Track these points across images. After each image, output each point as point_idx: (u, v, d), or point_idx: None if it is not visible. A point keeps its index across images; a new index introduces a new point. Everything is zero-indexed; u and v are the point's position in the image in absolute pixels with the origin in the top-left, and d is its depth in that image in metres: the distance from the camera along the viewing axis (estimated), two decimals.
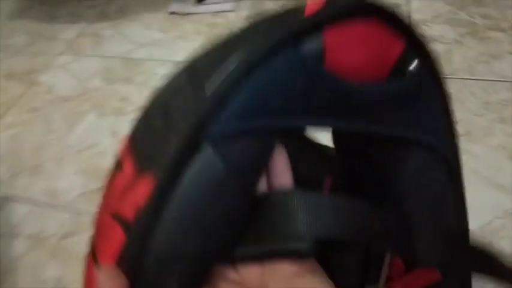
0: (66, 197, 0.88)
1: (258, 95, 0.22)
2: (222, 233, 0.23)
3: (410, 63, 0.25)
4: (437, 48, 1.04)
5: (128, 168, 0.25)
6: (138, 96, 1.07)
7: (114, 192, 0.25)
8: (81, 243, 0.81)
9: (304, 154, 0.35)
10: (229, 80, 0.22)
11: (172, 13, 1.30)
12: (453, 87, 0.96)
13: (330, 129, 0.27)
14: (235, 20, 1.25)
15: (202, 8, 1.30)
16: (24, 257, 0.80)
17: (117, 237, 0.23)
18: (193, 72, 0.25)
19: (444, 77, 0.27)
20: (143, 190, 0.22)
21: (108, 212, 0.25)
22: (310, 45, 0.23)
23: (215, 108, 0.22)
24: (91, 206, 0.86)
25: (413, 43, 0.25)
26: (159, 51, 1.18)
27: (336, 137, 0.32)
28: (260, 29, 0.25)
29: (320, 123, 0.24)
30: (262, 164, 0.25)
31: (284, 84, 0.23)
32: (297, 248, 0.22)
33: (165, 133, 0.23)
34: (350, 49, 0.24)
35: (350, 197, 0.24)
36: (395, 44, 0.24)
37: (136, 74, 1.12)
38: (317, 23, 0.23)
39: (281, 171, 0.27)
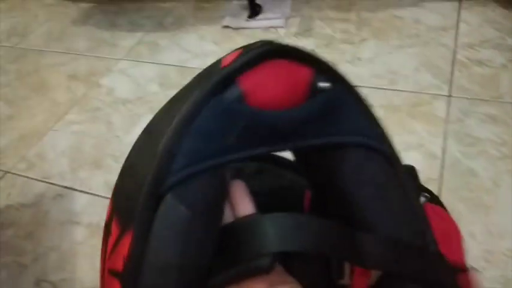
0: None
1: (197, 143, 0.27)
2: (198, 265, 0.27)
3: (321, 84, 0.29)
4: (484, 72, 1.07)
5: (115, 229, 0.29)
6: None
7: (107, 252, 0.29)
8: None
9: (281, 175, 0.41)
10: (171, 137, 0.26)
11: (226, 27, 1.37)
12: (499, 110, 0.98)
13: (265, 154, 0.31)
14: (284, 35, 1.31)
15: (253, 23, 1.37)
16: (83, 244, 0.86)
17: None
18: (149, 133, 0.31)
19: (356, 88, 0.31)
20: (127, 244, 0.26)
21: (106, 271, 0.29)
22: (230, 92, 0.27)
23: (166, 164, 0.26)
24: None
25: (320, 68, 0.29)
26: (212, 61, 1.24)
27: (295, 156, 0.37)
28: (192, 86, 0.30)
29: (257, 152, 0.29)
30: (220, 198, 0.30)
31: (216, 128, 0.27)
32: (258, 265, 0.26)
33: (134, 191, 0.27)
34: (266, 87, 0.28)
35: (309, 213, 0.29)
36: (303, 73, 0.28)
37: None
38: (230, 73, 0.27)
39: (239, 200, 0.30)
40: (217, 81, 0.27)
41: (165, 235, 0.26)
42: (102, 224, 0.90)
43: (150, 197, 0.26)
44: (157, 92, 1.18)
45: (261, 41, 0.29)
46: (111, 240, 0.29)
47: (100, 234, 0.84)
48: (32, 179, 1.01)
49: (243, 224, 0.28)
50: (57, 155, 1.06)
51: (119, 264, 0.27)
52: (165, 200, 0.26)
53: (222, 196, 0.30)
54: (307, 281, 0.29)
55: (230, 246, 0.28)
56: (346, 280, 0.31)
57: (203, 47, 1.32)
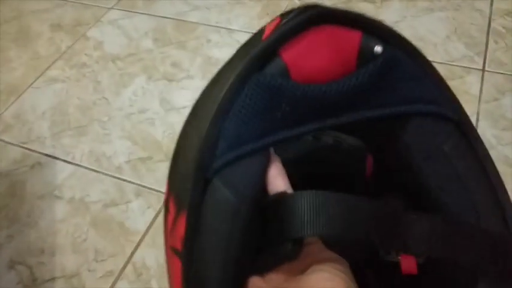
0: (112, 163, 0.84)
1: (239, 124, 0.26)
2: (244, 247, 0.27)
3: (374, 48, 0.26)
4: None
5: (172, 208, 0.28)
6: (189, 63, 1.00)
7: (168, 230, 0.29)
8: (123, 215, 0.77)
9: (340, 139, 0.38)
10: (212, 120, 0.26)
11: None
12: None
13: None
14: None
15: None
16: (64, 222, 0.76)
17: (177, 265, 0.27)
18: (195, 114, 0.29)
19: (416, 47, 0.28)
20: (182, 224, 0.26)
21: (168, 247, 0.29)
22: (272, 67, 0.26)
23: (209, 148, 0.26)
24: (136, 176, 0.81)
25: (370, 30, 0.26)
26: (214, 16, 1.10)
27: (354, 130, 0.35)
28: (233, 60, 0.28)
29: (305, 129, 0.27)
30: (263, 179, 0.29)
31: (260, 107, 0.26)
32: (282, 252, 0.26)
33: (186, 173, 0.27)
34: (310, 58, 0.26)
35: (347, 194, 0.25)
36: (350, 37, 0.26)
37: (189, 39, 1.05)
38: (270, 45, 0.25)
39: (273, 178, 0.29)
40: (256, 56, 0.25)
41: (213, 219, 0.26)
42: (86, 199, 0.79)
43: (196, 183, 0.26)
44: (151, 49, 1.04)
45: (302, 6, 0.26)
46: (170, 218, 0.29)
47: (83, 213, 0.74)
48: (7, 143, 0.89)
49: (274, 203, 0.27)
50: (36, 117, 0.93)
51: (177, 243, 0.27)
52: (211, 185, 0.26)
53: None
54: (350, 257, 0.27)
55: (260, 228, 0.27)
56: (393, 257, 0.28)
57: None
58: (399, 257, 0.28)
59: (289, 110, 0.26)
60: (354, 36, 0.26)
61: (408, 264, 0.27)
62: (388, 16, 1.04)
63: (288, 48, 0.26)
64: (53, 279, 0.70)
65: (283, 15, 0.27)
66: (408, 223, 0.25)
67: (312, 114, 0.27)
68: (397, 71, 0.27)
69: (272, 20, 0.27)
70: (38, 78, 1.01)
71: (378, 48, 0.26)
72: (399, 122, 0.28)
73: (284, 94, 0.26)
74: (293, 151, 0.37)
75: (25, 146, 0.88)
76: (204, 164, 0.26)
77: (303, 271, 0.26)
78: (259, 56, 0.26)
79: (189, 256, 0.26)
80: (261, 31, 0.27)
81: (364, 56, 0.26)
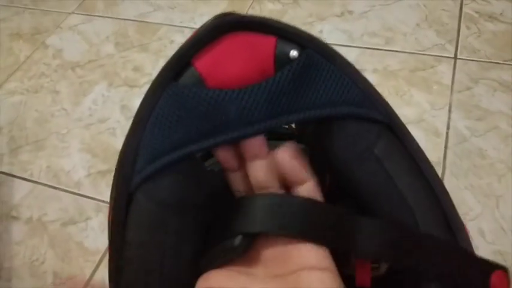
0: (70, 178, 0.80)
1: (156, 136, 0.25)
2: (178, 259, 0.26)
3: (289, 52, 0.25)
4: (496, 28, 0.90)
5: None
6: (152, 66, 0.96)
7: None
8: (83, 234, 0.74)
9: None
10: (131, 133, 0.25)
11: None
12: None
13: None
14: None
15: None
16: (21, 244, 0.73)
17: None
18: (131, 126, 0.28)
19: (333, 49, 0.26)
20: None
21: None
22: (186, 76, 0.25)
23: (129, 162, 0.25)
24: (96, 191, 0.77)
25: (284, 35, 0.25)
26: (177, 16, 1.06)
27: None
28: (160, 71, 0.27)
29: (223, 139, 0.25)
30: (198, 190, 0.27)
31: (176, 118, 0.25)
32: (230, 245, 0.24)
33: (114, 188, 0.26)
34: (225, 65, 0.25)
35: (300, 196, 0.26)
36: (265, 43, 0.25)
37: (152, 41, 1.01)
38: (182, 55, 0.25)
39: (289, 169, 0.26)
40: (168, 66, 0.25)
41: (139, 233, 0.25)
42: (44, 219, 0.75)
43: (118, 199, 0.25)
44: (113, 54, 1.00)
45: (218, 14, 0.26)
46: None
47: (41, 232, 0.70)
48: None
49: (233, 202, 0.26)
50: None
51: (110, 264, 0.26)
52: (134, 199, 0.25)
53: (201, 188, 0.27)
54: None
55: (216, 226, 0.27)
56: (351, 270, 0.27)
57: None
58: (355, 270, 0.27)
59: (205, 119, 0.25)
60: (269, 42, 0.25)
61: (362, 276, 0.27)
62: (356, 6, 1.00)
63: (200, 57, 0.25)
64: None
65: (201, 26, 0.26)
66: (360, 226, 0.24)
67: (230, 123, 0.25)
68: (315, 74, 0.26)
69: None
70: None
71: (294, 53, 0.25)
72: (324, 127, 0.27)
73: (199, 103, 0.25)
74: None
75: None
76: (125, 179, 0.25)
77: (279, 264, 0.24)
78: (171, 65, 0.25)
79: (115, 276, 0.25)
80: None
81: (281, 61, 0.25)
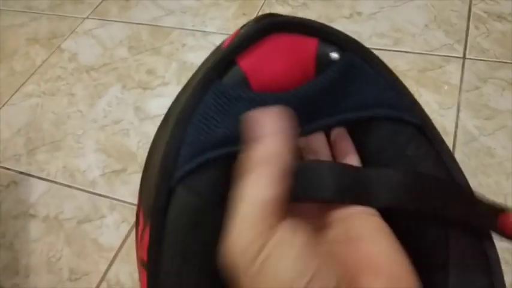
0: (86, 177, 0.82)
1: (200, 132, 0.26)
2: (212, 248, 0.26)
3: (330, 54, 0.26)
4: (505, 28, 0.91)
5: (141, 220, 0.28)
6: (164, 69, 0.98)
7: (138, 243, 0.28)
8: (97, 231, 0.76)
9: None
10: (174, 128, 0.26)
11: None
12: None
13: None
14: None
15: None
16: (39, 241, 0.75)
17: (144, 278, 0.26)
18: (165, 121, 0.29)
19: (371, 52, 0.27)
20: (147, 236, 0.26)
21: (138, 261, 0.28)
22: (231, 76, 0.26)
23: (172, 157, 0.26)
24: (110, 189, 0.79)
25: (325, 37, 0.26)
26: (189, 20, 1.08)
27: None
28: (199, 69, 0.29)
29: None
30: (229, 184, 0.28)
31: (220, 116, 0.26)
32: None
33: (151, 185, 0.27)
34: (268, 66, 0.26)
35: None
36: (307, 45, 0.26)
37: (164, 45, 1.03)
38: (227, 54, 0.26)
39: (340, 153, 0.28)
40: (214, 65, 0.26)
41: (179, 225, 0.26)
42: (60, 217, 0.77)
43: (159, 191, 0.26)
44: (126, 57, 1.02)
45: (259, 16, 0.27)
46: (140, 230, 0.28)
47: (58, 231, 0.72)
48: None
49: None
50: (12, 135, 0.92)
51: (144, 255, 0.26)
52: (175, 193, 0.26)
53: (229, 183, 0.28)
54: None
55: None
56: None
57: (179, 1, 1.14)
58: None
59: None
60: (311, 44, 0.26)
61: None
62: (365, 7, 1.01)
63: (245, 57, 0.26)
64: None
65: (242, 27, 0.28)
66: (373, 177, 0.25)
67: None
68: (355, 76, 0.27)
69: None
70: (13, 95, 1.00)
71: (335, 55, 0.26)
72: (361, 128, 0.28)
73: (243, 104, 0.26)
74: None
75: (0, 165, 0.87)
76: (167, 173, 0.26)
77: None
78: (217, 64, 0.26)
79: (154, 266, 0.25)
80: (223, 42, 0.28)
81: (322, 63, 0.26)
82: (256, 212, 0.20)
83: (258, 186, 0.21)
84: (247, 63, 0.26)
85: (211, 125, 0.26)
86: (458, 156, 0.74)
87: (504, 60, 0.86)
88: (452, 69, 0.86)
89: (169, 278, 0.25)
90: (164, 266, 0.25)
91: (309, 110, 0.27)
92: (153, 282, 0.25)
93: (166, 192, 0.26)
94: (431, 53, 0.90)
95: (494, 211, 0.26)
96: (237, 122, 0.26)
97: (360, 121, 0.28)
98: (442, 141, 0.28)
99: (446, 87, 0.84)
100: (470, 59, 0.88)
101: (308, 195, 0.24)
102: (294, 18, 0.27)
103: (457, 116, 0.79)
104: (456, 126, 0.78)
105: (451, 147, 0.75)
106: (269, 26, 0.26)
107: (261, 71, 0.26)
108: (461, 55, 0.88)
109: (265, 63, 0.26)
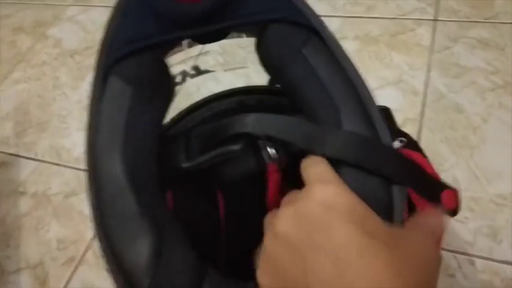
0: (71, 155, 0.85)
1: (129, 24, 0.31)
2: (144, 134, 0.30)
3: None
4: None
5: None
6: None
7: None
8: (83, 204, 0.79)
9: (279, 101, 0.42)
10: (108, 22, 0.32)
11: None
12: (493, 33, 0.84)
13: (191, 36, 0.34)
14: None
15: None
16: (28, 216, 0.78)
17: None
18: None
19: None
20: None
21: None
22: None
23: (106, 45, 0.31)
24: None
25: None
26: None
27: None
28: None
29: (182, 35, 0.32)
30: (161, 76, 0.33)
31: (143, 13, 0.31)
32: (232, 148, 0.30)
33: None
34: None
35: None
36: None
37: None
38: None
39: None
40: None
41: (111, 108, 0.29)
42: (48, 192, 0.80)
43: (95, 79, 0.30)
44: None
45: None
46: None
47: (46, 206, 0.75)
48: None
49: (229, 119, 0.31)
50: (1, 118, 0.96)
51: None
52: (108, 79, 0.30)
53: (164, 76, 0.33)
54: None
55: (213, 134, 0.31)
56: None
57: None
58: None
59: (166, 20, 0.31)
60: None
61: (271, 169, 0.32)
62: None
63: None
64: (18, 270, 0.72)
65: None
66: (325, 133, 0.28)
67: (184, 24, 0.32)
68: None
69: None
70: (2, 82, 1.03)
71: None
72: (263, 34, 0.33)
73: (161, 8, 0.31)
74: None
75: None
76: (101, 61, 0.31)
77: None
78: None
79: (90, 148, 0.29)
80: None
81: None
82: None
83: None
84: None
85: (136, 21, 0.31)
86: (427, 113, 0.76)
87: (475, 20, 0.87)
88: (424, 32, 0.88)
89: (103, 152, 0.29)
90: (98, 151, 0.29)
91: (213, 15, 0.31)
92: (90, 158, 0.30)
93: (101, 80, 0.30)
94: (403, 17, 0.91)
95: (438, 186, 0.29)
96: (158, 21, 0.31)
97: (258, 23, 0.32)
98: (338, 46, 0.31)
99: (415, 49, 0.85)
100: (442, 20, 0.89)
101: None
102: None
103: (427, 76, 0.81)
104: (426, 86, 0.79)
105: (420, 106, 0.77)
106: None
107: None
108: (432, 17, 0.90)
109: None
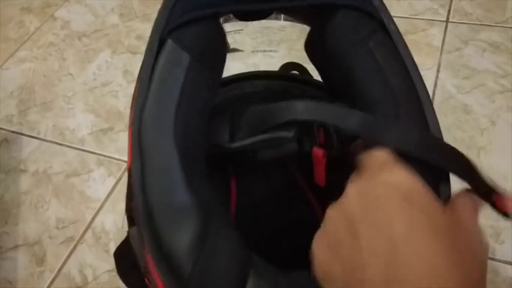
0: (75, 135, 0.85)
1: None
2: (197, 103, 0.29)
3: None
4: None
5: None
6: None
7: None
8: (85, 184, 0.79)
9: (304, 91, 0.42)
10: None
11: None
12: (504, 37, 0.84)
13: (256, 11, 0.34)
14: None
15: None
16: (27, 194, 0.78)
17: (130, 134, 0.30)
18: None
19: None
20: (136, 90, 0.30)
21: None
22: None
23: (166, 13, 0.31)
24: (98, 146, 0.82)
25: None
26: None
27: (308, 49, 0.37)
28: None
29: (247, 7, 0.32)
30: (219, 46, 0.33)
31: None
32: (284, 135, 0.29)
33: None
34: None
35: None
36: None
37: (154, 11, 1.05)
38: None
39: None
40: None
41: (166, 75, 0.29)
42: (49, 171, 0.80)
43: (151, 43, 0.30)
44: (117, 24, 1.04)
45: None
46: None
47: (46, 183, 0.75)
48: None
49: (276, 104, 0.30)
50: (5, 97, 0.95)
51: (132, 108, 0.30)
52: (165, 44, 0.29)
53: (221, 45, 0.33)
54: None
55: (263, 118, 0.30)
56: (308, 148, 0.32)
57: None
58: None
59: None
60: None
61: (318, 154, 0.31)
62: None
63: None
64: (16, 247, 0.71)
65: None
66: (385, 123, 0.27)
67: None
68: None
69: None
70: (6, 60, 1.02)
71: None
72: (328, 15, 0.31)
73: None
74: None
75: None
76: (159, 26, 0.30)
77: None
78: None
79: (139, 113, 0.28)
80: None
81: None
82: None
83: None
84: None
85: None
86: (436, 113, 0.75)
87: (486, 23, 0.87)
88: (435, 32, 0.88)
89: (150, 120, 0.28)
90: (148, 113, 0.28)
91: None
92: (137, 124, 0.28)
93: (157, 44, 0.29)
94: (415, 17, 0.91)
95: (489, 188, 0.28)
96: None
97: (328, 6, 0.31)
98: (405, 45, 0.30)
99: (425, 49, 0.85)
100: (453, 22, 0.89)
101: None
102: None
103: (437, 76, 0.81)
104: (435, 86, 0.79)
105: None
106: None
107: None
108: (444, 19, 0.90)
109: None
